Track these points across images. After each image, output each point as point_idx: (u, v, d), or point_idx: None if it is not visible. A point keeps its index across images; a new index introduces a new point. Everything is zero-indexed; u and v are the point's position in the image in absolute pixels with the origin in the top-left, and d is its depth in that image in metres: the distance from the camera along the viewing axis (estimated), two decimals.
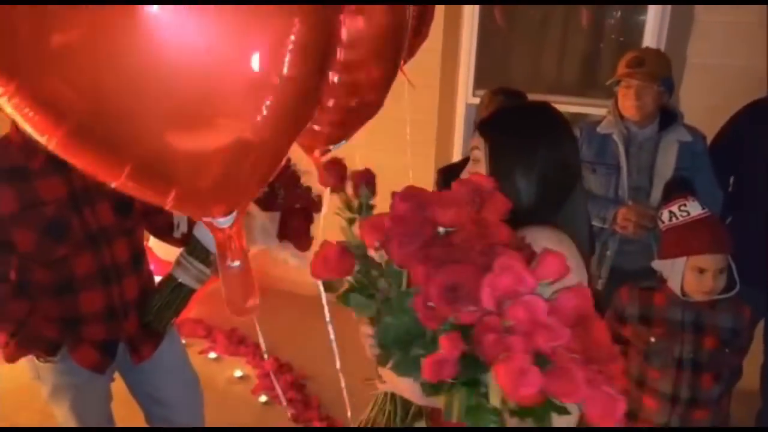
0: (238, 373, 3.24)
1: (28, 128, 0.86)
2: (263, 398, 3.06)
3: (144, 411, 2.08)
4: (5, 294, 1.63)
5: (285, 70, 0.85)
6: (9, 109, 0.84)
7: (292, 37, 0.83)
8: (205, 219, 1.00)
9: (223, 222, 1.01)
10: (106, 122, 0.84)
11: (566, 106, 3.38)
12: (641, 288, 1.93)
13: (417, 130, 3.52)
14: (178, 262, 1.79)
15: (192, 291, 1.80)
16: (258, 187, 1.02)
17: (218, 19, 0.78)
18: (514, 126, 1.16)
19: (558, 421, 0.77)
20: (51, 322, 1.71)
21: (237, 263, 0.99)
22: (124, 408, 2.09)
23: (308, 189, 1.94)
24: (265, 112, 0.86)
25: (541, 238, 0.96)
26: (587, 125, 2.54)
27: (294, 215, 1.89)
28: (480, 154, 1.14)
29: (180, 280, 1.78)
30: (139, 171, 0.89)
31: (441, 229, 0.88)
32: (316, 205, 1.95)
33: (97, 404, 1.94)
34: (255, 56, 0.82)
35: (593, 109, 3.15)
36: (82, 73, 0.80)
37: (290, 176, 1.91)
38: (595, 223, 2.36)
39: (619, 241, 2.38)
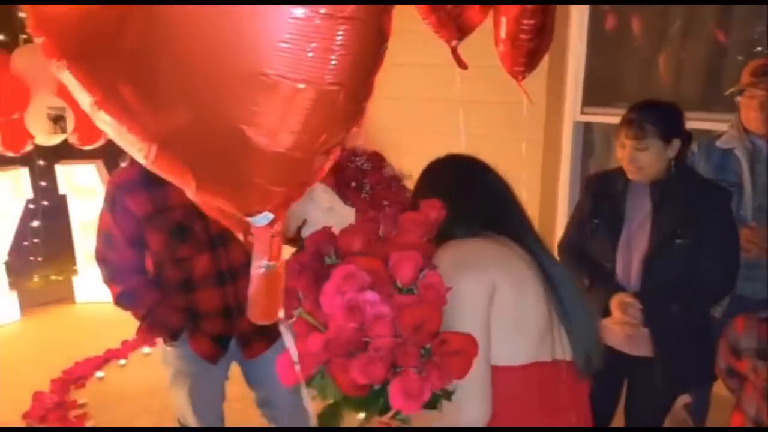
0: None
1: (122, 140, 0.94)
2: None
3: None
4: (141, 284, 1.89)
5: (330, 77, 0.86)
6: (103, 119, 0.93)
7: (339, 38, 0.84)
8: (239, 216, 1.03)
9: (258, 221, 1.03)
10: (134, 98, 0.91)
11: (687, 122, 3.16)
12: (760, 319, 1.73)
13: (516, 150, 3.44)
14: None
15: None
16: (293, 192, 1.04)
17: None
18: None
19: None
20: (175, 312, 1.90)
21: (272, 264, 1.00)
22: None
23: (403, 188, 1.90)
24: (299, 117, 0.88)
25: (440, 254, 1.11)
26: (705, 140, 2.36)
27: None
28: None
29: None
30: (162, 153, 0.95)
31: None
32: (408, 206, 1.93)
33: (211, 397, 2.06)
34: (306, 65, 0.84)
35: (715, 124, 2.91)
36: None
37: (378, 170, 1.90)
38: None
39: (742, 265, 2.16)
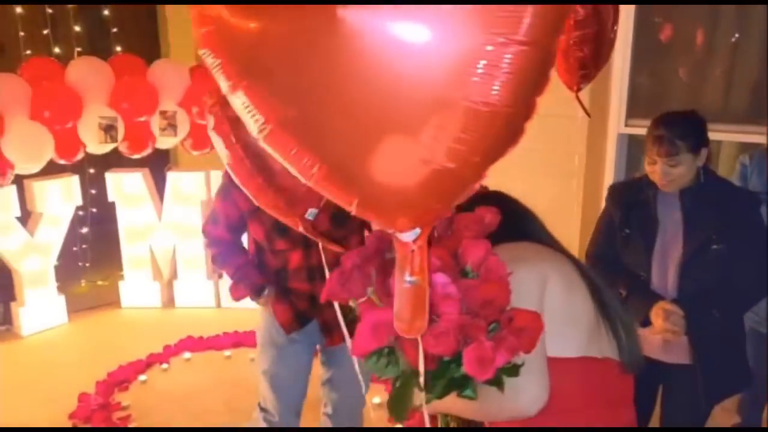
0: (376, 400, 3.29)
1: (248, 122, 0.99)
2: (399, 426, 3.06)
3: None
4: (231, 249, 2.19)
5: (494, 94, 0.88)
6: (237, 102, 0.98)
7: (508, 57, 0.86)
8: (389, 231, 1.07)
9: (406, 237, 1.07)
10: (305, 121, 0.93)
11: (733, 135, 3.09)
12: None
13: (562, 161, 3.42)
14: None
15: None
16: (445, 209, 1.07)
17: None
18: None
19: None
20: (259, 272, 2.15)
21: (415, 279, 1.03)
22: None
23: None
24: (463, 136, 0.91)
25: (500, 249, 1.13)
26: (757, 153, 2.31)
27: None
28: None
29: None
30: (329, 172, 0.96)
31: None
32: None
33: (292, 375, 2.21)
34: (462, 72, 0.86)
35: (764, 138, 2.83)
36: (287, 71, 0.89)
37: None
38: None
39: None
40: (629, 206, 2.00)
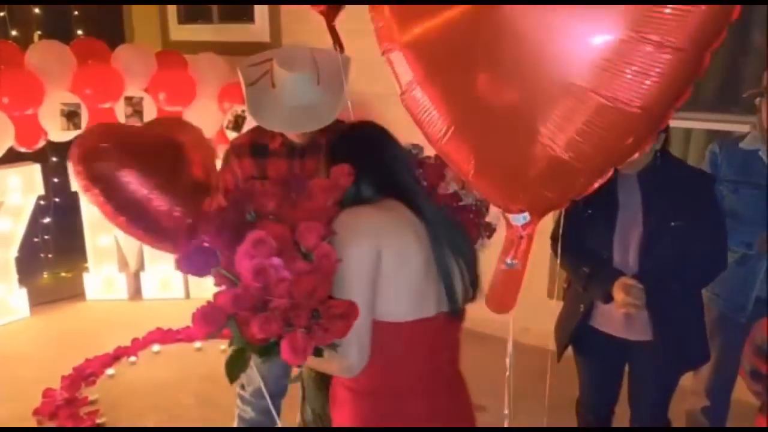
0: None
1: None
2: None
3: None
4: None
5: (639, 101, 0.89)
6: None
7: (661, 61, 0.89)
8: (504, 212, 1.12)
9: (516, 219, 1.11)
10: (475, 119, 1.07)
11: (702, 123, 3.13)
12: None
13: None
14: None
15: None
16: (558, 200, 1.10)
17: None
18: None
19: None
20: None
21: (514, 263, 1.08)
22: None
23: (463, 210, 1.81)
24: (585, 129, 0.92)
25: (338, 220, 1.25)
26: (727, 142, 2.34)
27: None
28: None
29: None
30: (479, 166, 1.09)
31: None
32: (477, 231, 1.82)
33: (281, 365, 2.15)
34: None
35: (734, 126, 2.88)
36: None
37: (431, 188, 1.84)
38: (738, 248, 2.14)
39: None
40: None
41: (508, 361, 1.97)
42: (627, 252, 2.00)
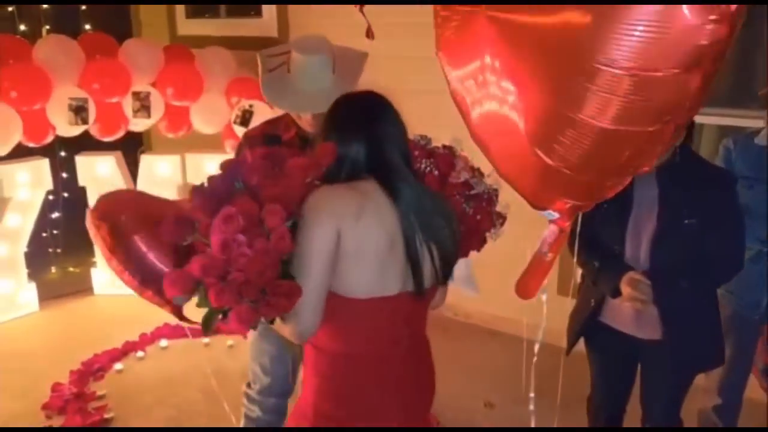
0: None
1: None
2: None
3: None
4: None
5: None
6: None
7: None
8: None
9: (546, 214, 1.31)
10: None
11: (717, 118, 3.09)
12: None
13: None
14: None
15: None
16: (585, 205, 1.18)
17: None
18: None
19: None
20: None
21: (549, 255, 1.17)
22: None
23: (474, 198, 1.83)
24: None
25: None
26: (742, 137, 2.31)
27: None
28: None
29: None
30: None
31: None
32: (489, 219, 1.84)
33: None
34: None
35: (748, 121, 2.84)
36: None
37: (442, 177, 1.81)
38: (752, 245, 2.12)
39: None
40: None
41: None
42: (639, 247, 1.98)
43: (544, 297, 1.95)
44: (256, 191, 1.29)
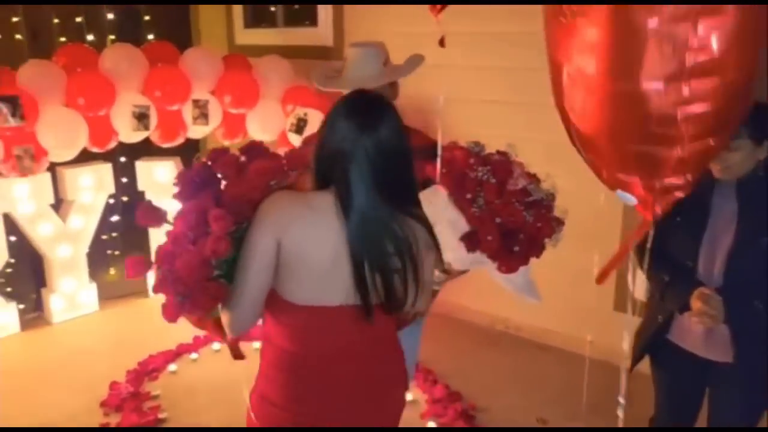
0: (408, 397, 3.24)
1: None
2: (431, 424, 3.00)
3: None
4: None
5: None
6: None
7: None
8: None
9: (626, 198, 1.39)
10: None
11: None
12: None
13: None
14: None
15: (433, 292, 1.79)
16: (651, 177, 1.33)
17: None
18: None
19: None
20: None
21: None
22: None
23: (534, 205, 1.80)
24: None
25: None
26: None
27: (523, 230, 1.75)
28: None
29: None
30: None
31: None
32: (549, 225, 1.80)
33: None
34: None
35: None
36: None
37: (500, 185, 1.78)
38: None
39: None
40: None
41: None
42: (713, 263, 1.89)
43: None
44: (227, 186, 1.42)
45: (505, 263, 1.77)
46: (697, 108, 1.27)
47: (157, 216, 1.47)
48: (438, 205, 1.80)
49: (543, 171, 3.74)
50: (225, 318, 1.42)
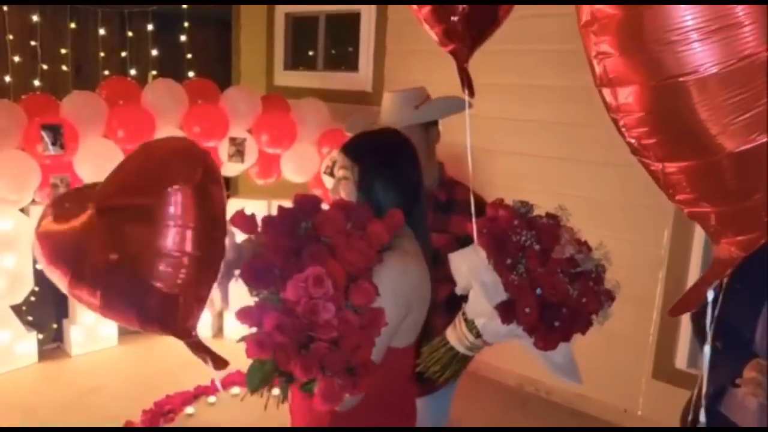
0: None
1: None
2: None
3: None
4: None
5: None
6: None
7: None
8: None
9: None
10: None
11: None
12: None
13: (648, 215, 3.23)
14: (453, 326, 1.72)
15: (466, 357, 1.68)
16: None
17: None
18: (376, 148, 1.50)
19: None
20: None
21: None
22: None
23: (580, 277, 1.61)
24: None
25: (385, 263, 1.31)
26: None
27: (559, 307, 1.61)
28: (347, 173, 1.48)
29: (452, 344, 1.68)
30: None
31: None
32: (597, 300, 1.62)
33: None
34: None
35: None
36: None
37: (544, 252, 1.65)
38: None
39: None
40: (746, 260, 1.83)
41: None
42: None
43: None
44: (329, 246, 1.23)
45: (542, 339, 1.62)
46: None
47: (250, 223, 1.32)
48: (475, 265, 1.70)
49: (584, 229, 3.63)
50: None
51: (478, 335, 1.62)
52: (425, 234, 1.46)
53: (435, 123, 2.12)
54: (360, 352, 1.16)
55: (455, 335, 1.62)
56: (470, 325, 1.59)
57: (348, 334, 1.14)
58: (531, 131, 3.59)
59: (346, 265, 1.20)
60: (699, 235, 3.11)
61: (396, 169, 1.47)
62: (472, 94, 1.78)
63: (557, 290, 1.59)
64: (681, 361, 3.23)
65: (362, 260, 1.22)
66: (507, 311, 1.60)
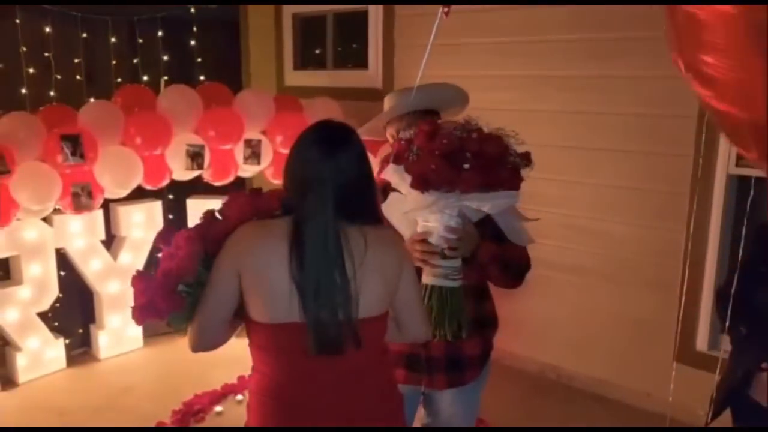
0: None
1: None
2: None
3: None
4: None
5: None
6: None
7: None
8: None
9: None
10: None
11: None
12: None
13: (667, 202, 3.24)
14: (424, 271, 1.79)
15: (452, 292, 1.76)
16: None
17: None
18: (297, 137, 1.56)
19: None
20: None
21: None
22: None
23: None
24: None
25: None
26: None
27: None
28: None
29: (429, 283, 1.77)
30: None
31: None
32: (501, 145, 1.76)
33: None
34: None
35: None
36: None
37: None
38: None
39: None
40: None
41: None
42: None
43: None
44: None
45: (464, 183, 1.66)
46: None
47: (167, 237, 1.59)
48: (391, 206, 1.83)
49: (602, 216, 3.64)
50: (188, 336, 1.54)
51: (443, 256, 1.73)
52: (322, 224, 1.42)
53: (435, 113, 2.15)
54: (161, 285, 1.50)
55: (430, 274, 1.76)
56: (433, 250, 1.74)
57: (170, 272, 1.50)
58: (543, 121, 3.61)
59: (217, 239, 1.52)
60: (716, 218, 3.13)
61: (289, 159, 1.53)
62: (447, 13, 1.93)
63: (449, 140, 1.67)
64: (702, 343, 3.25)
65: (225, 231, 1.52)
66: (419, 181, 1.68)
